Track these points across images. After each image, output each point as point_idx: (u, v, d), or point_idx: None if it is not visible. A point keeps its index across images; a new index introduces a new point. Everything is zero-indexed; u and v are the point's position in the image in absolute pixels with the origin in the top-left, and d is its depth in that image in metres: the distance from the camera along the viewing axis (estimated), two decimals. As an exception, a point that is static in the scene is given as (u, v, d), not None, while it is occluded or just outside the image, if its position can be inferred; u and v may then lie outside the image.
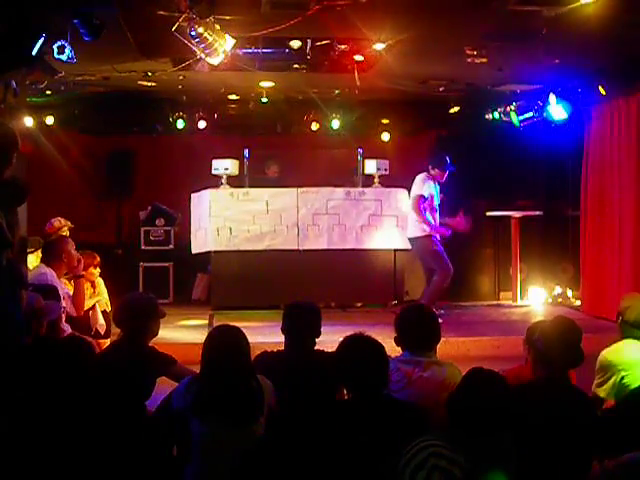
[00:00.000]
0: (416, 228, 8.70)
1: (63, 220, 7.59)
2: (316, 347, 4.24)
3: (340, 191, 9.57)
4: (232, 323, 3.79)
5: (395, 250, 9.59)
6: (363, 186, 9.80)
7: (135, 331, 4.24)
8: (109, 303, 6.60)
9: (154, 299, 4.50)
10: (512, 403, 2.71)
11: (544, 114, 9.17)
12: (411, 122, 11.11)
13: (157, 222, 10.55)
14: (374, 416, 3.16)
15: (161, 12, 5.71)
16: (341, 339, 3.48)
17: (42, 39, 5.56)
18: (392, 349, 3.75)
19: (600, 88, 8.28)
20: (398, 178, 9.44)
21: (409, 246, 9.01)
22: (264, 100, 9.98)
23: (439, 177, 8.71)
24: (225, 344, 3.55)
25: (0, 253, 3.91)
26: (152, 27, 6.18)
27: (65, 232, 7.45)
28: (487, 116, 10.21)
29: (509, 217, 10.16)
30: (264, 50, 7.23)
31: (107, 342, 5.87)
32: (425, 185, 8.63)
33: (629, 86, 8.22)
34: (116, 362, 4.08)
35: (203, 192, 9.52)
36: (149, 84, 8.84)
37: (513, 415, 2.67)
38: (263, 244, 9.36)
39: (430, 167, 8.73)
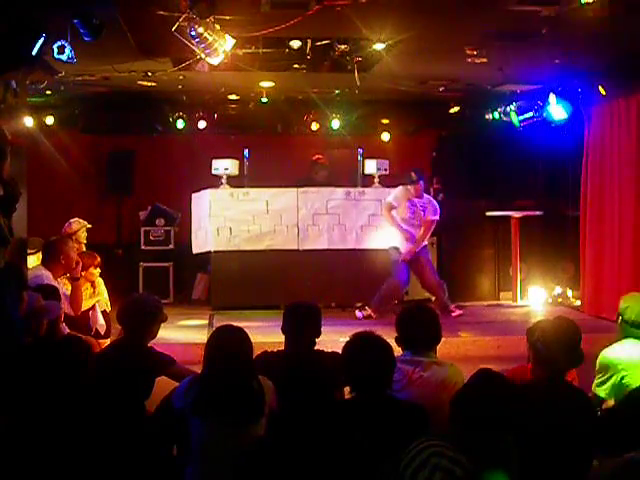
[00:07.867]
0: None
1: (82, 221, 7.48)
2: (316, 347, 4.24)
3: (340, 191, 9.56)
4: (232, 323, 3.79)
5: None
6: (363, 186, 9.80)
7: (137, 331, 4.25)
8: (109, 303, 6.60)
9: (160, 302, 4.51)
10: (516, 404, 2.71)
11: (544, 114, 9.17)
12: (411, 122, 11.11)
13: (157, 222, 10.55)
14: (375, 416, 3.16)
15: (161, 12, 5.72)
16: (343, 338, 3.48)
17: (42, 39, 5.55)
18: (392, 349, 3.75)
19: (600, 88, 8.28)
20: (398, 178, 9.42)
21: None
22: (264, 100, 9.97)
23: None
24: (228, 344, 3.55)
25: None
26: (152, 27, 6.19)
27: (83, 233, 7.39)
28: (487, 116, 10.20)
29: (509, 217, 10.14)
30: (264, 50, 7.23)
31: (107, 342, 5.87)
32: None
33: (629, 86, 8.22)
34: (116, 362, 4.09)
35: (203, 192, 9.52)
36: (149, 84, 8.84)
37: (515, 416, 2.67)
38: (263, 244, 9.35)
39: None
